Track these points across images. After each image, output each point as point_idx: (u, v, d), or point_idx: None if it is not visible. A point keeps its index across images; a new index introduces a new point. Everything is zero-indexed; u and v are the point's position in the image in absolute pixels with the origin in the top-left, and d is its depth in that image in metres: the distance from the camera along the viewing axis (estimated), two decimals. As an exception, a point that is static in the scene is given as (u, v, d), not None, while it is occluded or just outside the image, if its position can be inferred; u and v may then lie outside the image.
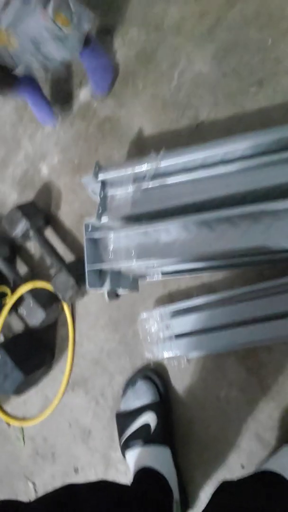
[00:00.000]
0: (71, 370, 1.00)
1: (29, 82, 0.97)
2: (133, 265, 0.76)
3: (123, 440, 0.87)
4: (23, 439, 1.05)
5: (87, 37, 0.92)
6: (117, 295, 0.95)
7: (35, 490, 1.03)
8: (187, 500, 0.84)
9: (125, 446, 0.86)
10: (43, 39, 0.86)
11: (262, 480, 0.71)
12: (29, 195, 1.09)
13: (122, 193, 0.86)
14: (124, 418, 0.88)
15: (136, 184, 0.84)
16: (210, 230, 0.72)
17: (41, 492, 1.02)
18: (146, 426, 0.84)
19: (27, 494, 1.04)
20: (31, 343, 0.98)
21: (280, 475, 0.70)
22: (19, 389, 0.95)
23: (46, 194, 1.07)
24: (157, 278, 0.88)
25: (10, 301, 0.99)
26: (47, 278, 1.02)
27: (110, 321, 0.98)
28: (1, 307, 0.99)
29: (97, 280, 0.80)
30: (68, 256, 1.02)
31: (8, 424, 1.07)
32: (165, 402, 0.87)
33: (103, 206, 0.85)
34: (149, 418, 0.84)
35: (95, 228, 0.80)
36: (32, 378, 0.97)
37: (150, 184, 0.83)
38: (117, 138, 0.99)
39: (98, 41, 1.01)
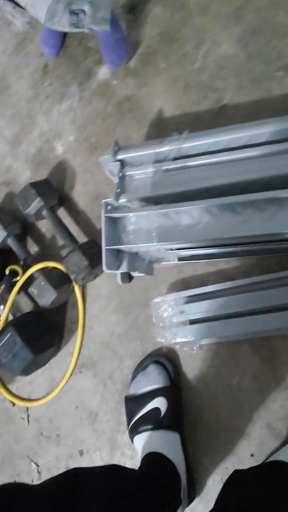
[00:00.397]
0: (79, 352, 0.99)
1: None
2: (152, 248, 0.74)
3: (131, 424, 0.86)
4: (28, 419, 1.05)
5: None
6: (130, 278, 0.94)
7: (38, 471, 1.03)
8: (194, 486, 0.84)
9: (134, 430, 0.85)
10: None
11: (273, 470, 0.71)
12: (42, 173, 1.07)
13: (141, 174, 0.84)
14: (133, 402, 0.87)
15: (156, 165, 0.82)
16: (234, 214, 0.70)
17: (44, 473, 1.01)
18: (155, 410, 0.84)
19: (30, 474, 1.04)
20: (40, 323, 0.96)
21: None
22: (27, 369, 0.93)
23: (60, 173, 1.05)
24: (173, 262, 0.87)
25: (21, 279, 0.97)
26: (58, 258, 1.00)
27: (122, 305, 0.96)
28: (12, 285, 0.98)
29: (114, 262, 0.78)
30: (81, 238, 1.00)
31: (13, 404, 1.07)
32: (175, 387, 0.87)
33: (122, 186, 0.84)
34: (159, 403, 0.84)
35: (114, 208, 0.78)
36: (41, 359, 0.95)
37: (171, 166, 0.82)
38: (136, 118, 0.97)
39: (119, 17, 0.99)
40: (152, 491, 0.69)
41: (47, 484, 0.62)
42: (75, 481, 0.62)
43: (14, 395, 1.07)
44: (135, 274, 0.86)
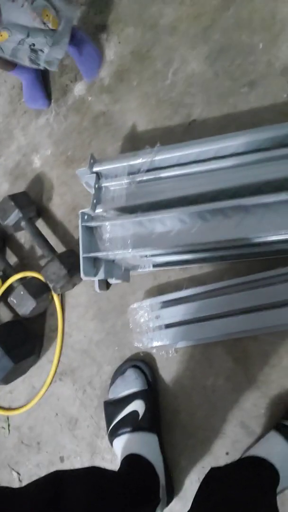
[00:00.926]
0: (59, 360, 1.01)
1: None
2: (128, 255, 0.78)
3: (111, 428, 0.88)
4: (8, 428, 1.06)
5: (73, 30, 0.95)
6: (107, 286, 0.97)
7: (19, 479, 1.04)
8: (172, 486, 0.86)
9: (113, 433, 0.87)
10: (33, 32, 0.88)
11: (248, 466, 0.74)
12: (20, 186, 1.10)
13: (116, 185, 0.88)
14: (112, 406, 0.89)
15: (130, 177, 0.86)
16: (204, 221, 0.74)
17: (25, 481, 1.02)
18: (134, 413, 0.86)
19: (11, 483, 1.04)
20: (20, 331, 0.98)
21: (266, 459, 0.73)
22: (7, 378, 0.95)
23: (38, 186, 1.08)
24: (149, 269, 0.90)
25: (1, 288, 0.99)
26: (37, 268, 1.03)
27: (100, 312, 0.99)
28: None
29: (92, 269, 0.81)
30: (59, 248, 1.03)
31: (-7, 414, 1.08)
32: (153, 390, 0.89)
33: (98, 197, 0.87)
34: (137, 406, 0.86)
35: (90, 217, 0.82)
36: (21, 367, 0.97)
37: (145, 177, 0.86)
38: (110, 133, 1.01)
39: (90, 35, 1.04)
40: (132, 491, 0.71)
41: (31, 488, 0.63)
42: (58, 484, 0.63)
43: (-6, 405, 1.08)
44: (112, 281, 0.89)
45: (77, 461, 0.97)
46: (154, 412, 0.87)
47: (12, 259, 1.09)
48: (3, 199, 0.99)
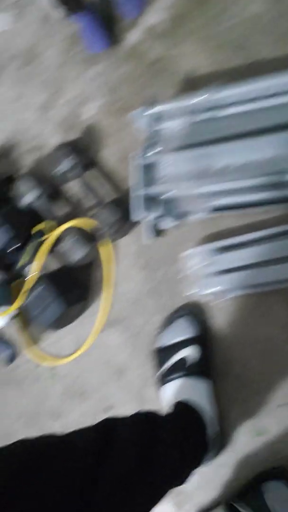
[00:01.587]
0: (108, 309, 1.00)
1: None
2: (183, 193, 0.76)
3: (160, 374, 0.87)
4: (54, 377, 1.06)
5: None
6: (158, 234, 0.95)
7: (63, 430, 1.03)
8: (222, 437, 0.84)
9: (162, 380, 0.86)
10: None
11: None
12: (72, 137, 1.09)
13: (172, 127, 0.86)
14: (162, 352, 0.88)
15: (187, 118, 0.84)
16: (262, 154, 0.71)
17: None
18: (185, 359, 0.84)
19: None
20: (70, 278, 0.98)
21: None
22: (57, 323, 0.95)
23: (89, 136, 1.07)
24: (203, 215, 0.88)
25: (52, 235, 0.99)
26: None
27: (151, 261, 0.97)
28: (39, 245, 0.99)
29: (144, 209, 0.79)
30: (111, 197, 1.01)
31: (39, 363, 1.08)
32: (206, 337, 0.87)
33: (153, 139, 0.85)
34: (190, 351, 0.84)
35: (144, 157, 0.80)
36: (70, 313, 0.97)
37: (202, 117, 0.83)
38: (166, 79, 0.99)
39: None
40: (179, 438, 0.71)
41: (82, 435, 0.62)
42: (109, 432, 0.62)
43: (41, 354, 1.08)
44: (164, 225, 0.87)
45: (123, 412, 0.96)
46: (207, 359, 0.85)
47: (63, 210, 1.08)
48: (55, 148, 0.99)
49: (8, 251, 1.02)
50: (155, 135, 0.85)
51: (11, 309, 1.00)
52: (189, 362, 0.84)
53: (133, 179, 0.77)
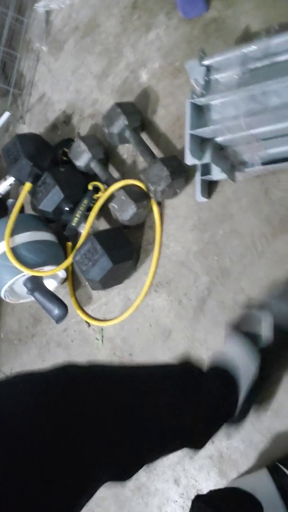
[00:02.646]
0: (155, 271, 1.00)
1: None
2: (237, 135, 0.73)
3: (239, 324, 0.81)
4: (102, 339, 1.07)
5: None
6: (209, 194, 0.93)
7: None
8: (247, 411, 0.79)
9: (236, 328, 0.80)
10: None
11: (237, 503, 0.72)
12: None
13: (228, 77, 0.83)
14: (247, 318, 0.81)
15: (243, 66, 0.81)
16: None
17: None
18: (258, 337, 0.77)
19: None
20: (120, 236, 0.98)
21: (253, 496, 0.71)
22: (105, 280, 0.95)
23: (144, 100, 1.07)
24: (257, 168, 0.84)
25: (103, 195, 1.00)
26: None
27: (199, 222, 0.95)
28: (94, 201, 1.01)
29: (198, 151, 0.77)
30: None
31: (88, 324, 1.09)
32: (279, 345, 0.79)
33: (207, 88, 0.84)
34: (266, 334, 0.77)
35: (199, 95, 0.78)
36: (118, 271, 0.97)
37: (258, 64, 0.80)
38: (222, 38, 0.97)
39: None
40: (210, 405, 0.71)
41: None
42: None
43: (89, 316, 1.09)
44: (217, 175, 0.84)
45: (168, 373, 0.95)
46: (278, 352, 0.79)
47: (115, 174, 1.10)
48: (111, 107, 1.00)
49: (62, 210, 1.05)
50: (210, 84, 0.83)
51: (61, 267, 1.02)
52: (263, 343, 0.77)
53: (187, 117, 0.75)
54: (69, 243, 1.11)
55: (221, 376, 0.75)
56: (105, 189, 1.02)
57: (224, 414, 0.75)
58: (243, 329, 0.80)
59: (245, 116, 0.71)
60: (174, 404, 0.64)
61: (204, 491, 0.87)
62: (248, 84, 0.77)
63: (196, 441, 0.70)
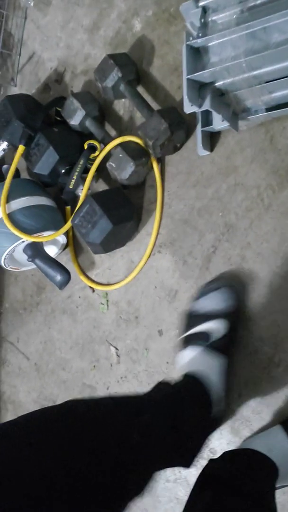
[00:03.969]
0: (158, 231, 0.96)
1: None
2: (238, 77, 0.68)
3: (183, 338, 0.84)
4: (107, 304, 1.04)
5: None
6: (211, 147, 0.89)
7: (117, 354, 1.02)
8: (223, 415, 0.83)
9: (185, 342, 0.83)
10: None
11: (248, 464, 0.70)
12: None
13: (226, 17, 0.77)
14: (192, 318, 0.84)
15: (242, 4, 0.75)
16: None
17: (123, 356, 1.01)
18: (210, 331, 0.80)
19: (108, 359, 1.04)
20: (119, 196, 0.94)
21: (267, 456, 0.70)
22: (106, 242, 0.92)
23: (138, 50, 1.01)
24: (260, 116, 0.79)
25: (100, 154, 0.96)
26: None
27: (202, 178, 0.91)
28: (91, 161, 0.97)
29: (196, 98, 0.73)
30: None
31: (92, 289, 1.07)
32: (238, 314, 0.83)
33: (204, 31, 0.78)
34: (217, 325, 0.80)
35: (196, 37, 0.72)
36: (119, 233, 0.94)
37: (258, 1, 0.74)
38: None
39: None
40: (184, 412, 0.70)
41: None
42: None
43: (93, 281, 1.07)
44: (218, 125, 0.79)
45: (175, 334, 0.93)
46: (232, 337, 0.81)
47: (112, 132, 1.05)
48: (103, 59, 0.94)
49: (58, 173, 1.01)
50: (207, 27, 0.77)
51: (60, 231, 0.99)
52: (213, 336, 0.80)
53: (184, 62, 0.70)
54: (68, 207, 1.07)
55: (191, 383, 0.76)
56: (102, 148, 0.97)
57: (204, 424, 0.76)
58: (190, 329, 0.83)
59: (246, 55, 0.66)
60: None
61: (217, 450, 0.86)
62: (248, 21, 0.72)
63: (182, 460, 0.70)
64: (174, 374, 0.84)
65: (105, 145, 0.97)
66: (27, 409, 1.20)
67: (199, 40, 0.70)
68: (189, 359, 0.81)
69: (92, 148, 0.97)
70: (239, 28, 0.66)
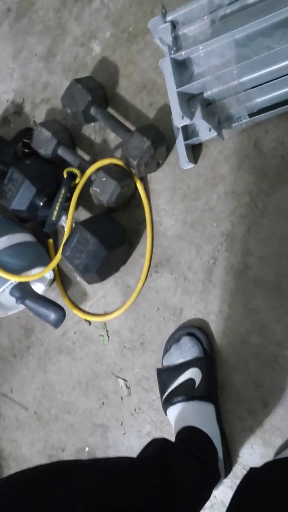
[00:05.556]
0: (152, 251, 0.93)
1: None
2: (223, 85, 0.68)
3: (165, 396, 0.83)
4: (107, 334, 0.99)
5: None
6: (196, 157, 0.88)
7: (127, 386, 0.97)
8: (230, 460, 0.82)
9: (167, 401, 0.82)
10: None
11: None
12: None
13: (197, 29, 0.77)
14: (166, 373, 0.85)
15: (212, 15, 0.76)
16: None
17: (134, 387, 0.96)
18: (189, 381, 0.81)
19: (118, 393, 0.98)
20: (108, 220, 0.91)
21: None
22: (102, 270, 0.88)
23: (101, 73, 1.00)
24: (244, 121, 0.79)
25: (81, 180, 0.92)
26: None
27: (189, 191, 0.90)
28: (72, 189, 0.93)
29: (188, 110, 0.71)
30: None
31: (89, 322, 1.01)
32: (209, 358, 0.83)
33: (177, 44, 0.77)
34: (193, 374, 0.81)
35: (175, 53, 0.72)
36: (113, 258, 0.90)
37: (229, 10, 0.75)
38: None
39: None
40: (189, 464, 0.68)
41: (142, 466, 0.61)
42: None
43: (88, 313, 1.02)
44: (206, 135, 0.79)
45: (187, 354, 0.90)
46: (210, 381, 0.81)
47: (85, 157, 1.02)
48: (70, 84, 0.92)
49: (37, 206, 0.96)
50: (178, 40, 0.77)
51: (50, 266, 0.94)
52: (193, 385, 0.80)
53: (171, 75, 0.69)
54: (51, 240, 1.02)
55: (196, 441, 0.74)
56: (81, 174, 0.94)
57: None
58: (170, 384, 0.83)
59: (237, 62, 0.66)
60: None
61: (251, 465, 0.83)
62: (224, 31, 0.72)
63: None
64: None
65: (84, 171, 0.94)
66: (32, 462, 1.11)
67: (183, 53, 0.69)
68: (176, 416, 0.80)
69: (72, 176, 0.93)
70: (224, 37, 0.66)
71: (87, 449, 1.00)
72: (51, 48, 1.07)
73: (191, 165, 0.87)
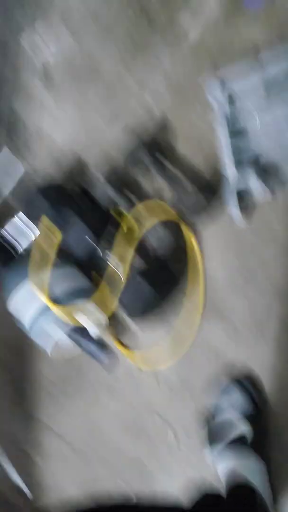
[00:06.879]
0: (204, 300, 0.96)
1: None
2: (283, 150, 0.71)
3: (216, 451, 0.83)
4: (158, 381, 1.01)
5: None
6: (250, 214, 0.91)
7: (175, 437, 0.98)
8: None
9: (219, 456, 0.83)
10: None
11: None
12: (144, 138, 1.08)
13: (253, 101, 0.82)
14: (218, 428, 0.85)
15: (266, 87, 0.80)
16: None
17: (184, 439, 0.96)
18: (242, 439, 0.81)
19: (168, 445, 0.98)
20: (160, 270, 0.95)
21: None
22: (152, 316, 0.92)
23: (162, 134, 1.05)
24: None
25: (139, 233, 0.97)
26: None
27: (243, 247, 0.92)
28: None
29: (241, 174, 0.75)
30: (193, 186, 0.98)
31: (140, 369, 1.04)
32: (260, 413, 0.84)
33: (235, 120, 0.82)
34: (245, 430, 0.81)
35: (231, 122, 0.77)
36: (165, 305, 0.94)
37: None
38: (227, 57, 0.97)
39: None
40: None
41: None
42: None
43: (140, 360, 1.04)
44: (260, 198, 0.82)
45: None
46: (262, 438, 0.82)
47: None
48: (133, 147, 0.99)
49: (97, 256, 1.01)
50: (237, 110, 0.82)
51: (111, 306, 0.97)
52: (246, 441, 0.81)
53: (228, 145, 0.73)
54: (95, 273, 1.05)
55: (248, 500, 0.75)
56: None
57: None
58: (221, 439, 0.83)
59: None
60: None
61: None
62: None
63: None
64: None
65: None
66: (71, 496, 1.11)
67: (234, 126, 0.74)
68: (228, 472, 0.80)
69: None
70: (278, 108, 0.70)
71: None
72: (113, 111, 1.14)
73: (244, 223, 0.90)
